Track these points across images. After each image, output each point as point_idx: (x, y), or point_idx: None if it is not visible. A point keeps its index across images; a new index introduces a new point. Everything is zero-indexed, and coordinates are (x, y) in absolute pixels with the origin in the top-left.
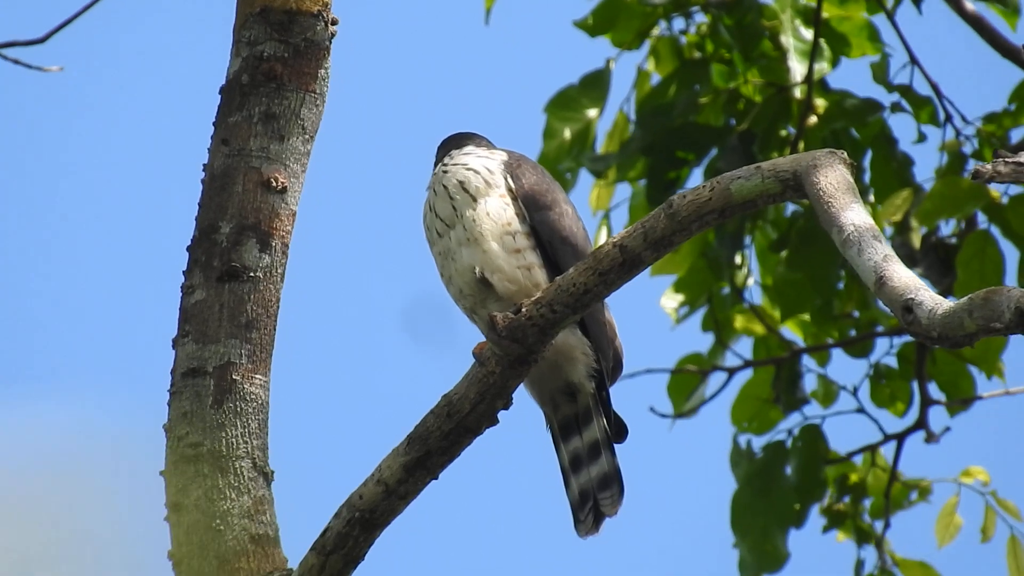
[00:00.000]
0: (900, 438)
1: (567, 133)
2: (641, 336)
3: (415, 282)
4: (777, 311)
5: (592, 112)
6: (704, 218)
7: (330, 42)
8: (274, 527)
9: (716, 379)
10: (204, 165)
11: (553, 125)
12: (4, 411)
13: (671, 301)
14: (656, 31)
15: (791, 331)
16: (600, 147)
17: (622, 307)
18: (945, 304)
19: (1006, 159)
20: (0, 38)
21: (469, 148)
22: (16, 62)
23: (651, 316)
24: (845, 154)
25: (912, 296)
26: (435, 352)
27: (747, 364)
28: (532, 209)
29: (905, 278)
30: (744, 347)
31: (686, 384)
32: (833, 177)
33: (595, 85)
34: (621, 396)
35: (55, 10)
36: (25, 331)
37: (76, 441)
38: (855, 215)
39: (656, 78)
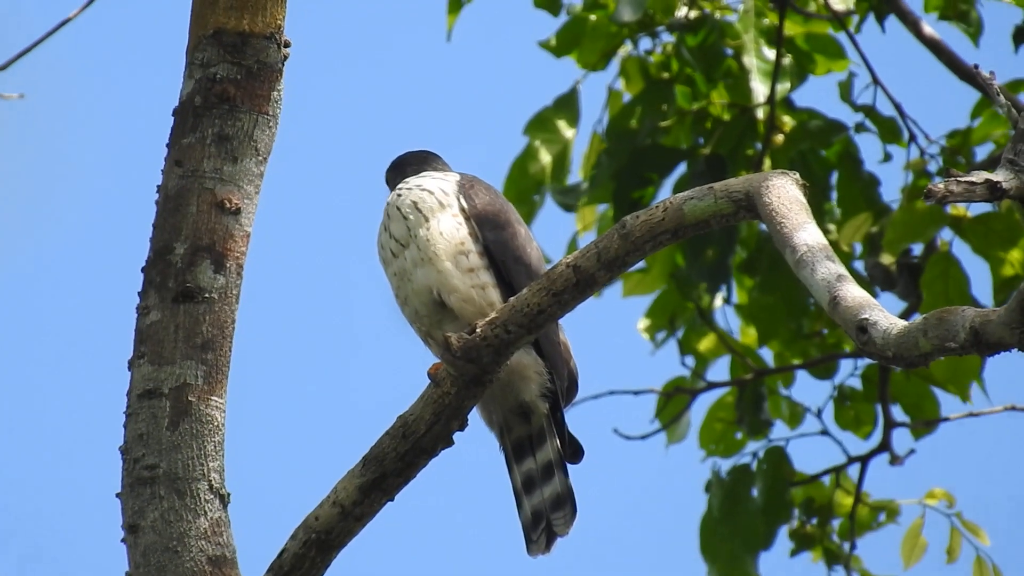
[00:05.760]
0: (864, 460)
1: (546, 155)
2: (627, 360)
3: (369, 303)
4: (754, 331)
5: (569, 132)
6: (657, 238)
7: (283, 64)
8: (231, 548)
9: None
10: (158, 187)
11: (534, 147)
12: None
13: (644, 323)
14: (623, 51)
15: (769, 349)
16: (579, 169)
17: (605, 331)
18: (900, 324)
19: (958, 178)
20: None
21: (425, 172)
22: None
23: (636, 340)
24: (797, 174)
25: (866, 316)
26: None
27: (710, 386)
28: (485, 228)
29: (859, 298)
30: (722, 369)
31: (672, 408)
32: (785, 197)
33: (568, 106)
34: (594, 417)
35: (16, 38)
36: None
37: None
38: (808, 235)
39: (628, 98)
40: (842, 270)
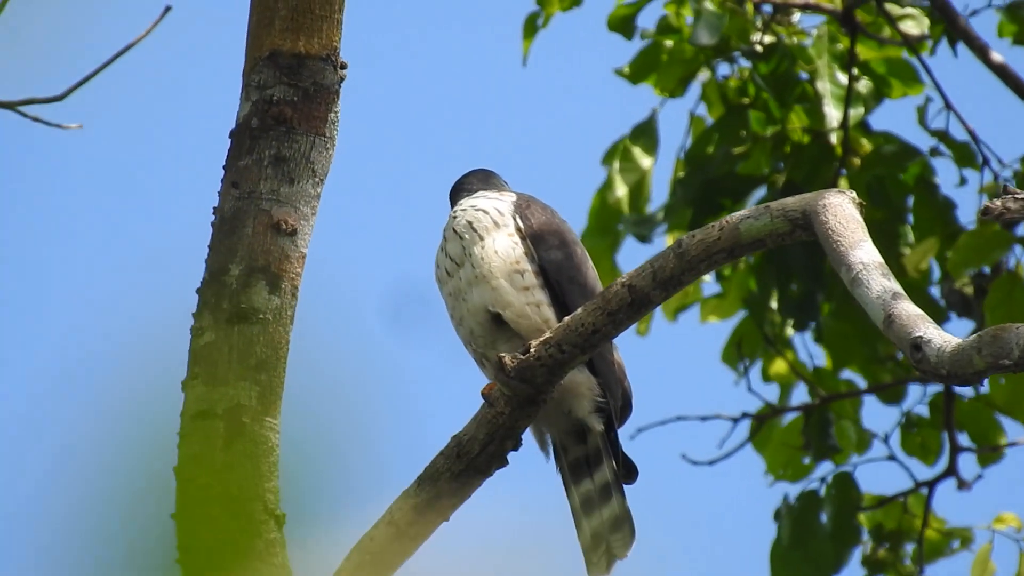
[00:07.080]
0: (931, 485)
1: (623, 185)
2: (702, 385)
3: (424, 323)
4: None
5: (647, 161)
6: (713, 257)
7: (339, 86)
8: (286, 570)
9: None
10: (214, 208)
11: (611, 177)
12: None
13: (726, 353)
14: (702, 75)
15: (851, 371)
16: (667, 194)
17: (681, 357)
18: (954, 341)
19: (1015, 196)
20: (19, 95)
21: (479, 192)
22: (35, 119)
23: (713, 366)
24: (854, 193)
25: (920, 334)
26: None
27: (776, 411)
28: (540, 248)
29: (914, 315)
30: (801, 393)
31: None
32: (842, 215)
33: (645, 134)
34: (666, 443)
35: (74, 67)
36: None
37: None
38: (864, 253)
39: (711, 123)
40: (897, 288)
